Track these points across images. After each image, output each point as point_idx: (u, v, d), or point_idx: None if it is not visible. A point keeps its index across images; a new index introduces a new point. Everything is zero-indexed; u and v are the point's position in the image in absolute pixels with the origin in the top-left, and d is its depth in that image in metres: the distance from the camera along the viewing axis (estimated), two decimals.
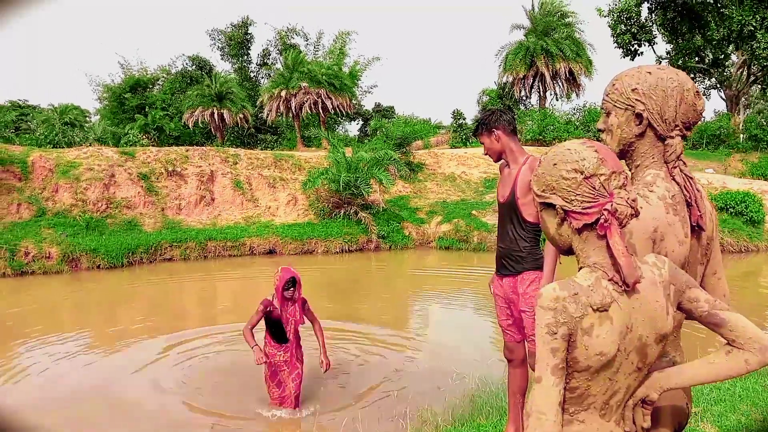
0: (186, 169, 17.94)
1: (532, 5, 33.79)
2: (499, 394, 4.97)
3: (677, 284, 1.43)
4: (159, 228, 16.00)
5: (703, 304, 1.42)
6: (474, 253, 15.69)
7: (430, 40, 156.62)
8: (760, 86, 30.58)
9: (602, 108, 1.82)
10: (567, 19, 33.38)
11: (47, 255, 13.38)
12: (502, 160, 3.63)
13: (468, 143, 29.25)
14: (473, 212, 17.46)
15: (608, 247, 1.36)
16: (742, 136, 27.67)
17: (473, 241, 16.26)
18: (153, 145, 23.59)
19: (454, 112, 32.94)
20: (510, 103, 34.13)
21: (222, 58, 38.00)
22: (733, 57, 30.19)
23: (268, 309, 4.81)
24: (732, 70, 30.21)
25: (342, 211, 17.20)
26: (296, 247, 15.87)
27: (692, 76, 28.80)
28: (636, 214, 1.39)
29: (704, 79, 32.35)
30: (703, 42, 27.64)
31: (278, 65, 33.64)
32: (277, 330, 4.88)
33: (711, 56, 28.76)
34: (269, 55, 37.92)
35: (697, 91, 1.70)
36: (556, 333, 1.31)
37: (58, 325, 8.81)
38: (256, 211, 17.88)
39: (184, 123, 29.81)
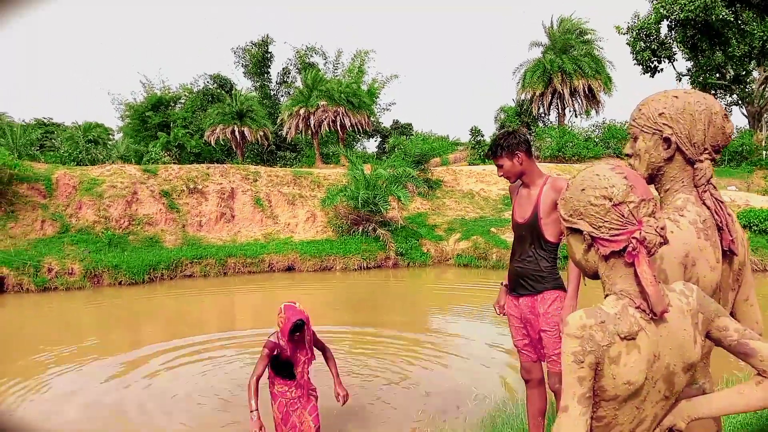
0: (207, 186, 18.14)
1: (551, 23, 33.91)
2: (519, 415, 4.90)
3: (706, 312, 1.40)
4: (180, 245, 16.16)
5: (732, 333, 1.40)
6: (493, 271, 15.58)
7: (448, 57, 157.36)
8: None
9: (629, 133, 1.82)
10: (586, 37, 33.39)
11: (70, 271, 13.56)
12: (517, 181, 3.63)
13: (486, 160, 29.20)
14: (492, 229, 17.38)
15: (636, 275, 1.34)
16: (764, 152, 27.29)
17: (492, 259, 16.16)
18: (174, 163, 23.92)
19: (472, 129, 32.96)
20: (528, 120, 34.11)
21: (245, 76, 38.53)
22: (755, 73, 29.92)
23: (276, 352, 4.12)
24: (754, 87, 29.91)
25: (360, 228, 17.23)
26: (315, 263, 15.91)
27: (713, 92, 28.57)
28: (665, 242, 1.38)
29: (725, 95, 32.05)
30: (724, 58, 27.44)
31: (298, 83, 34.02)
32: (285, 369, 4.25)
33: (732, 72, 28.53)
34: (289, 73, 38.42)
35: (725, 114, 1.69)
36: (583, 361, 1.29)
37: (77, 339, 8.89)
38: (275, 228, 17.99)
39: (205, 140, 30.21)
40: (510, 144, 3.49)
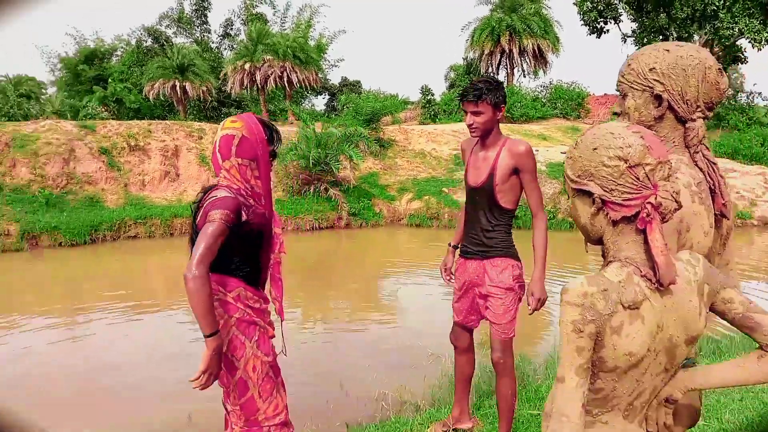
0: (149, 143, 17.43)
1: None
2: (477, 373, 4.95)
3: (712, 284, 1.35)
4: (122, 204, 15.56)
5: (737, 306, 1.35)
6: (445, 231, 15.69)
7: (396, 13, 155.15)
8: (721, 65, 31.06)
9: (618, 90, 1.73)
10: None
11: (6, 232, 12.88)
12: (471, 139, 3.33)
13: (437, 119, 29.14)
14: (444, 189, 17.45)
15: (645, 242, 1.28)
16: None
17: (444, 219, 16.27)
18: (113, 119, 22.86)
19: (422, 88, 32.71)
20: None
21: (175, 35, 36.16)
22: (696, 36, 30.64)
23: (238, 212, 2.24)
24: None
25: (312, 188, 16.98)
26: None
27: None
28: (679, 208, 1.31)
29: None
30: (668, 21, 27.97)
31: (242, 36, 32.78)
32: (252, 256, 2.41)
33: (675, 35, 29.12)
34: (232, 25, 36.89)
35: (719, 68, 1.61)
36: (582, 331, 1.23)
37: (17, 303, 8.50)
38: None
39: (145, 95, 28.90)
40: (502, 94, 3.10)
